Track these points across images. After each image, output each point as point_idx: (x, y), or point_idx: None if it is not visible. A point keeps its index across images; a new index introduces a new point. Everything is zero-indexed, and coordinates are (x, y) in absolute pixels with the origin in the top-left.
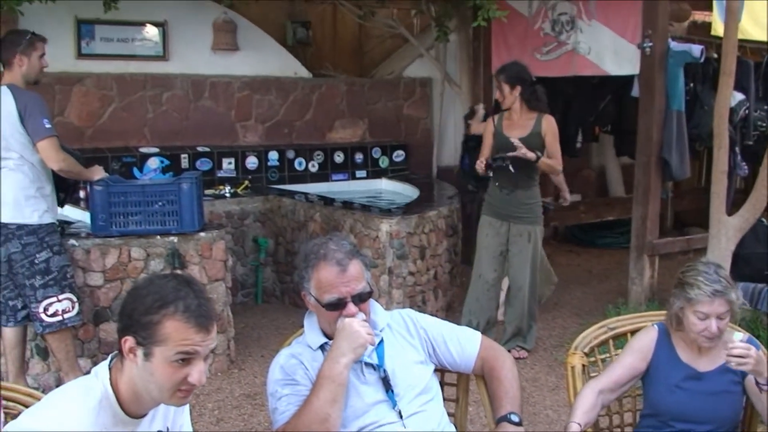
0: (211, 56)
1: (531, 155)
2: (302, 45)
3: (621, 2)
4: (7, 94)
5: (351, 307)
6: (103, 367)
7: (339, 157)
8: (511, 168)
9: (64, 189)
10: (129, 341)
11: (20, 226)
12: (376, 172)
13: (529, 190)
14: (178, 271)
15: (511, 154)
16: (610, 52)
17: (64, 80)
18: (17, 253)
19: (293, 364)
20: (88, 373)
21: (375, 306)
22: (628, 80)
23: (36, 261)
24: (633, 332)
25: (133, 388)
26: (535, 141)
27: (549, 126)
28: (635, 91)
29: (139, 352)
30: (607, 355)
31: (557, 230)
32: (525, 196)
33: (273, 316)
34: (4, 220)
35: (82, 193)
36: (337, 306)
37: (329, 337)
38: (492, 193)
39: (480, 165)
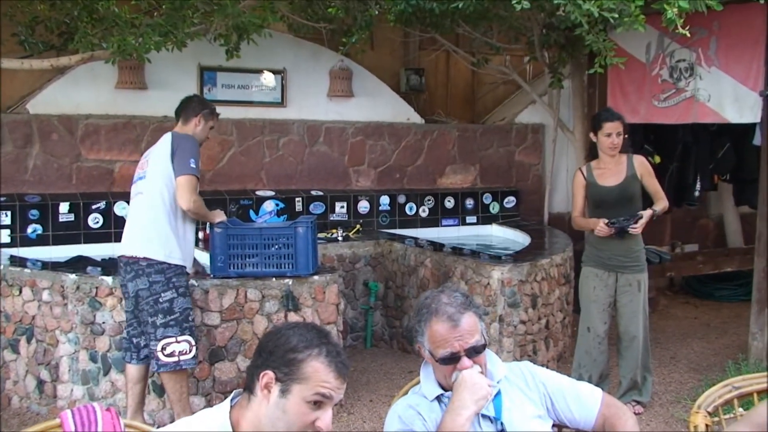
0: (327, 103)
1: (648, 214)
2: (415, 92)
3: (743, 49)
4: (168, 137)
5: (465, 361)
6: (224, 403)
7: (450, 203)
8: (630, 230)
9: None
10: (267, 376)
11: (150, 264)
12: (486, 218)
13: (636, 236)
14: (287, 316)
15: (637, 227)
16: (731, 99)
17: None
18: (144, 290)
19: (411, 414)
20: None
21: (492, 357)
22: (747, 128)
23: (160, 300)
24: (759, 393)
25: (257, 427)
26: (632, 185)
27: (643, 165)
28: (757, 140)
29: (276, 388)
30: (732, 415)
31: (673, 281)
32: (633, 243)
33: (382, 360)
34: (135, 254)
35: (201, 234)
36: (451, 360)
37: (445, 388)
38: (596, 243)
39: (604, 230)
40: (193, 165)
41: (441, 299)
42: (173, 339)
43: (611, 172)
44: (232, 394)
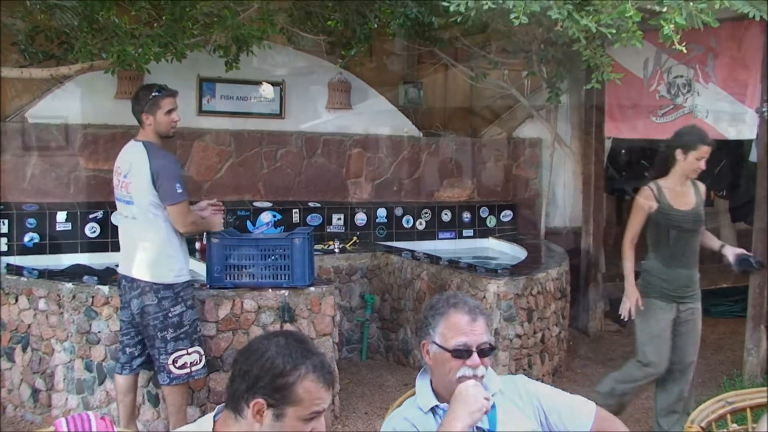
0: (326, 115)
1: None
2: (413, 105)
3: (740, 66)
4: (142, 152)
5: (475, 358)
6: (206, 419)
7: (446, 216)
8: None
9: None
10: (259, 404)
11: (157, 283)
12: (483, 232)
13: (696, 263)
14: (283, 327)
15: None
16: (728, 115)
17: (185, 135)
18: (152, 306)
19: (406, 426)
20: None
21: (488, 370)
22: (743, 144)
23: (170, 315)
24: (753, 408)
25: None
26: (703, 211)
27: (705, 193)
28: (754, 156)
29: (269, 413)
30: (725, 430)
31: None
32: (695, 271)
33: (377, 372)
34: (143, 279)
35: (198, 245)
36: (463, 354)
37: (440, 399)
38: (662, 273)
39: (629, 310)
40: (180, 190)
41: (458, 296)
42: (184, 351)
43: (682, 195)
44: (215, 410)
